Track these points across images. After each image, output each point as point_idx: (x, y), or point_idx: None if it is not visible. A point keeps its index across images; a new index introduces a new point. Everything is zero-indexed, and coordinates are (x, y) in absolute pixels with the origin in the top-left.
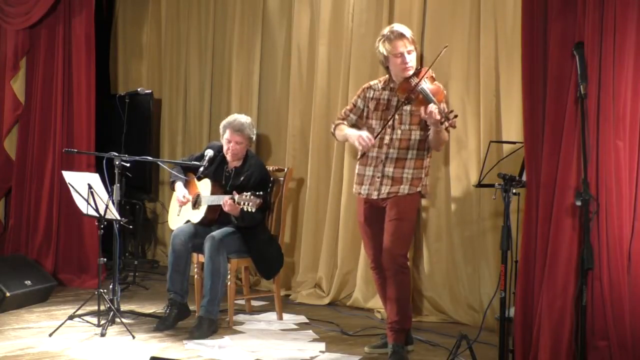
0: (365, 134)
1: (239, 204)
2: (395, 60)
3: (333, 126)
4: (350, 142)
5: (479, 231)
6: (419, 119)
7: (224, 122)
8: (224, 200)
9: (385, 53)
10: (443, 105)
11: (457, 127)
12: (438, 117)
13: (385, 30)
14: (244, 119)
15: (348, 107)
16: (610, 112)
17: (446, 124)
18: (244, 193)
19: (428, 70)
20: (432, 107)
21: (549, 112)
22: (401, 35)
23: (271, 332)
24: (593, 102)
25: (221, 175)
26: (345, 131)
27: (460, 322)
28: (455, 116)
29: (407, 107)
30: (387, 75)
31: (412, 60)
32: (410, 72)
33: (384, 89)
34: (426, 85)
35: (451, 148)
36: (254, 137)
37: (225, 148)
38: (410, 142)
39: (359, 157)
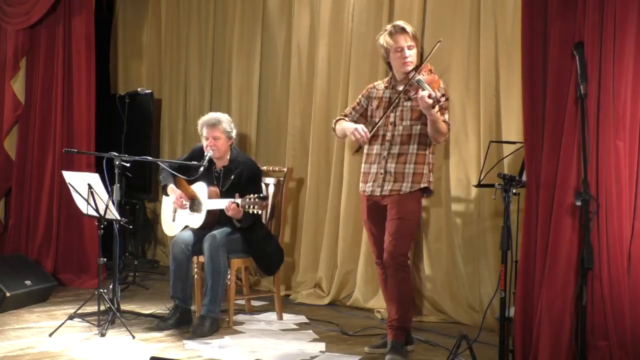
0: (360, 127)
1: (243, 207)
2: (395, 54)
3: (334, 121)
4: (347, 134)
5: (479, 231)
6: (419, 114)
7: (199, 121)
8: (227, 206)
9: (386, 46)
10: (436, 92)
11: (457, 127)
12: (429, 101)
13: (388, 25)
14: (220, 114)
15: (352, 105)
16: (610, 112)
17: (437, 107)
18: (247, 196)
19: (425, 63)
20: (424, 92)
21: (549, 112)
22: (403, 30)
23: (271, 332)
24: (593, 102)
25: (211, 176)
26: (344, 124)
27: (460, 322)
28: (447, 99)
29: (408, 104)
30: (390, 76)
31: (412, 55)
32: (410, 68)
33: (386, 87)
34: (422, 77)
35: (451, 148)
36: (234, 134)
37: (205, 146)
38: (411, 136)
39: (354, 152)
